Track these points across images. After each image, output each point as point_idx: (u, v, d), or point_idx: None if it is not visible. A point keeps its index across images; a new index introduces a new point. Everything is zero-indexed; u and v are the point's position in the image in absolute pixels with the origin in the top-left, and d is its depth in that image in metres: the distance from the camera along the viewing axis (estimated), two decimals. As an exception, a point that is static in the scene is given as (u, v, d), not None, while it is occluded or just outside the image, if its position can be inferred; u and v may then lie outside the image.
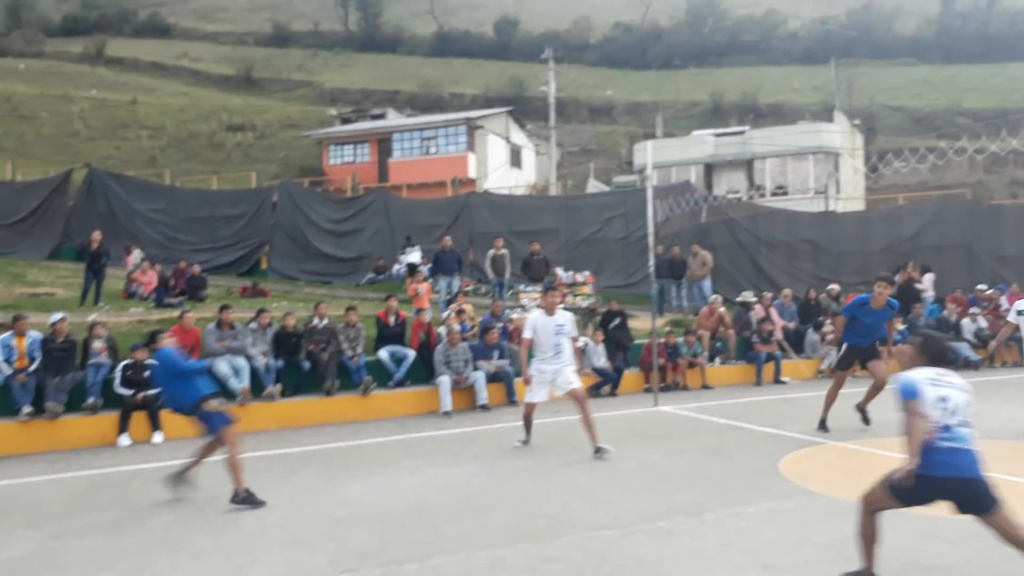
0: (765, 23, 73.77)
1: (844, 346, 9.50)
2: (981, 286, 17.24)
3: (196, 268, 17.91)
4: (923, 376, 4.41)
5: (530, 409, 8.78)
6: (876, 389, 9.21)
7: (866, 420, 9.30)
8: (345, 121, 43.74)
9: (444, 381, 11.22)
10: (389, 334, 12.12)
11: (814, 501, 6.33)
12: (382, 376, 11.64)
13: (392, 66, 71.24)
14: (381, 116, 44.24)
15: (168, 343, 7.36)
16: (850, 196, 29.71)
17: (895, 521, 4.90)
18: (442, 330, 12.28)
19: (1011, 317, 10.16)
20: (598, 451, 8.17)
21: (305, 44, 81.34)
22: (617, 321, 13.92)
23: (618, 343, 13.56)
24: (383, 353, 11.82)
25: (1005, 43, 62.88)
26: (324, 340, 11.49)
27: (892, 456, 5.34)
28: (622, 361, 13.29)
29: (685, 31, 71.81)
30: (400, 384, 11.67)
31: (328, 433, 10.00)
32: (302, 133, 43.94)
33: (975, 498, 4.24)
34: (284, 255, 22.24)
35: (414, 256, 19.37)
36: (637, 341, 13.99)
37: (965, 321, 15.98)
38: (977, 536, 4.71)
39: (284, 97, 63.88)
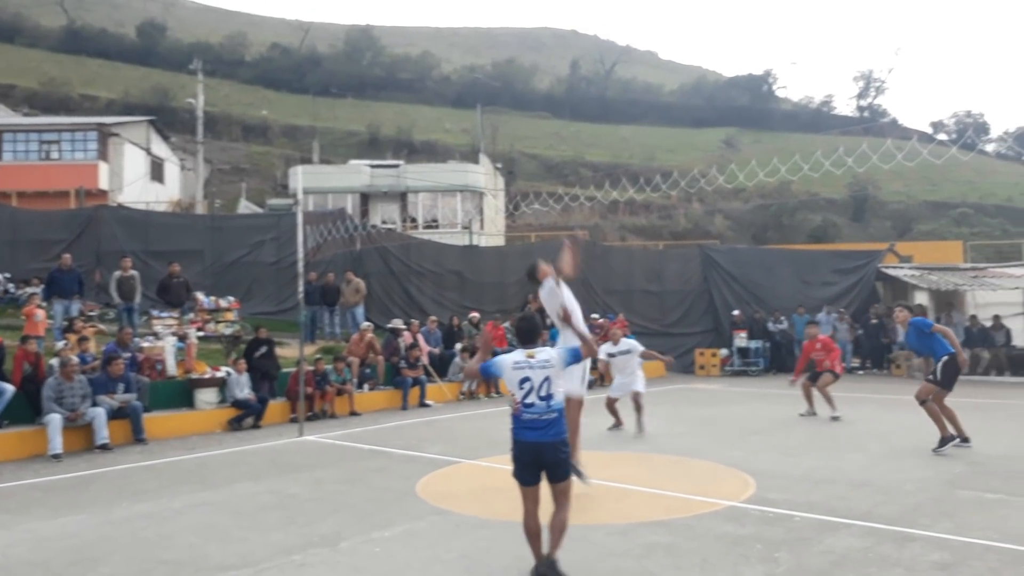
0: (420, 64, 77.41)
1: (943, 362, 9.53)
2: (595, 315, 19.68)
3: None
4: (510, 360, 5.09)
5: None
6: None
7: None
8: (-62, 114, 36.77)
9: (54, 419, 9.78)
10: (-18, 366, 10.30)
11: (447, 519, 6.61)
12: (-29, 416, 9.83)
13: (8, 58, 61.59)
14: (-11, 112, 37.95)
15: None
16: (491, 232, 32.20)
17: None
18: (54, 361, 10.73)
19: (602, 356, 11.35)
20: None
21: None
22: (264, 349, 13.39)
23: (264, 372, 13.05)
24: (-27, 389, 9.99)
25: (619, 108, 73.52)
26: None
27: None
28: (268, 391, 12.80)
29: (344, 61, 72.53)
30: (-5, 425, 9.94)
31: None
32: None
33: (554, 462, 4.96)
34: None
35: None
36: (285, 369, 13.58)
37: (583, 346, 18.08)
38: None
39: None
